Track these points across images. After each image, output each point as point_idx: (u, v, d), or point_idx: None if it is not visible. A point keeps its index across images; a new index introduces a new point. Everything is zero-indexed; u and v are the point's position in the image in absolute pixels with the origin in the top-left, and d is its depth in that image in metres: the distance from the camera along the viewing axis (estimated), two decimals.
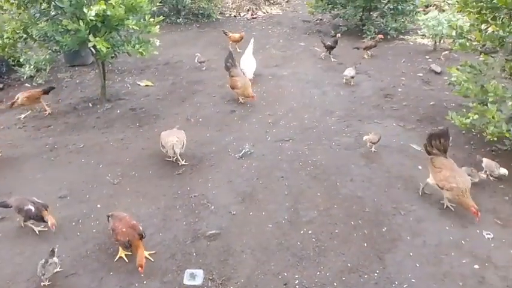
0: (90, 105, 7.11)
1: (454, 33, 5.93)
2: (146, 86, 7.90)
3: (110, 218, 4.06)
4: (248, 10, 13.95)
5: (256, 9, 14.15)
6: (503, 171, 4.92)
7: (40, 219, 4.15)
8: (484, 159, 5.08)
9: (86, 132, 6.24)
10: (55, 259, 3.68)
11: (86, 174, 5.21)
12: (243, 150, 5.59)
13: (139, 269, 3.64)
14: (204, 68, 8.74)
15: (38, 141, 6.03)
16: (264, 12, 14.09)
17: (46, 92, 6.79)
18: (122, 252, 3.98)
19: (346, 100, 7.22)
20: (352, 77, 7.73)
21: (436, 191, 4.66)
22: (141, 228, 3.92)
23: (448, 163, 4.56)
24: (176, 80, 8.20)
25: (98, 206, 4.65)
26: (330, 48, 9.20)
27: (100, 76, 7.04)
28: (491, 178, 4.97)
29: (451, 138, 4.76)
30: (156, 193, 4.82)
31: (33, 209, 4.12)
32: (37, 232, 4.25)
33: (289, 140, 5.95)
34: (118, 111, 6.86)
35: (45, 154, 5.69)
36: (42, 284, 3.62)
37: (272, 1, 15.10)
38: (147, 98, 7.37)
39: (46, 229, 4.23)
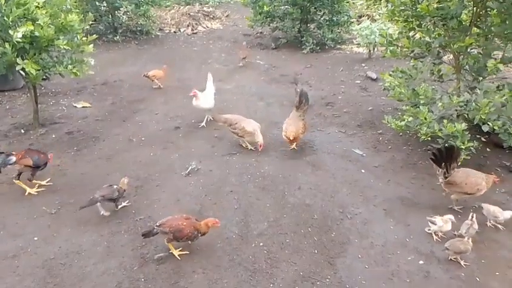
0: (23, 131, 6.65)
1: (385, 41, 6.24)
2: (83, 107, 7.55)
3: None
4: (188, 25, 13.89)
5: (196, 24, 14.14)
6: (508, 214, 4.32)
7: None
8: (484, 205, 4.44)
9: None
10: None
11: (19, 205, 4.83)
12: (190, 167, 5.48)
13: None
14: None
15: None
16: (205, 27, 14.12)
17: None
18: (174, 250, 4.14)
19: (290, 111, 7.32)
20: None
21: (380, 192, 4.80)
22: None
23: (463, 172, 4.57)
24: (116, 100, 7.92)
25: (35, 238, 4.31)
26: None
27: (32, 100, 6.62)
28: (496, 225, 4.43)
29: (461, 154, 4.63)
30: (98, 220, 4.56)
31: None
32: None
33: (236, 154, 5.92)
34: (53, 136, 6.48)
35: None
36: None
37: (212, 16, 15.17)
38: (85, 120, 7.03)
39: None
